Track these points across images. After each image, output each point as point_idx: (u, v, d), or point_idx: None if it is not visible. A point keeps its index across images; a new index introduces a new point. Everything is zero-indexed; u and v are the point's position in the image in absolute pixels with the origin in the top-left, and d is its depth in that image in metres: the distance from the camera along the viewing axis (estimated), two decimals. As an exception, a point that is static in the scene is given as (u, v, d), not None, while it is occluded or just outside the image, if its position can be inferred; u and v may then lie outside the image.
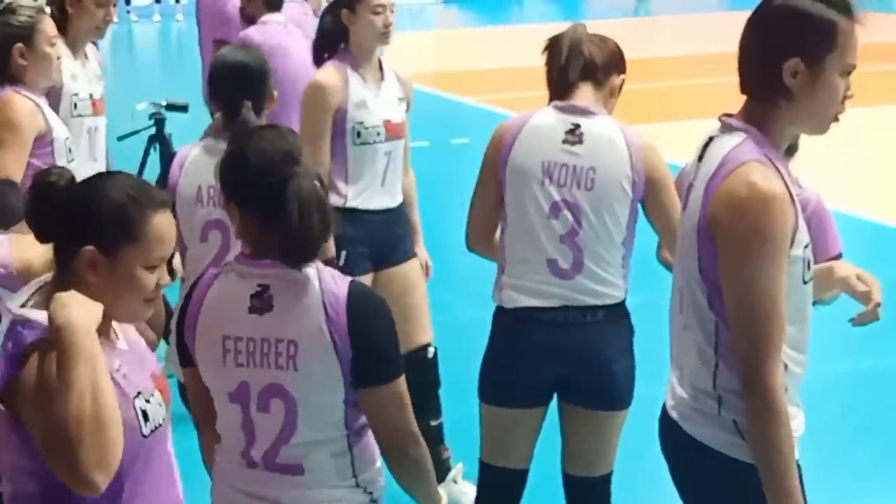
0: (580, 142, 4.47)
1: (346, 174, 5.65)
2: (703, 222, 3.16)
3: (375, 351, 3.31)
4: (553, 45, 4.58)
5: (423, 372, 5.81)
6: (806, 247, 3.18)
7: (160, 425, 3.06)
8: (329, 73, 5.67)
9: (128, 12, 24.31)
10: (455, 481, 5.83)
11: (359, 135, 5.63)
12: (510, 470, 4.67)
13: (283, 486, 3.36)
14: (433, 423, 5.82)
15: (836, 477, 5.84)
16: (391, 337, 3.36)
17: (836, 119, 3.24)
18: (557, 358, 4.49)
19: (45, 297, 2.99)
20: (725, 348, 3.19)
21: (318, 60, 5.81)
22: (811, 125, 3.25)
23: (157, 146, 8.40)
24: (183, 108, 8.65)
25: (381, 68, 5.76)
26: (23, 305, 3.01)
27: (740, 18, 3.43)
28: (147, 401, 3.02)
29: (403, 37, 6.90)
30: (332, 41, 5.74)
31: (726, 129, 3.24)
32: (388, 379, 3.33)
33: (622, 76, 4.63)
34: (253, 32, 7.99)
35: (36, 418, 2.85)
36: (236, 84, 4.88)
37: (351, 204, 5.66)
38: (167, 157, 8.27)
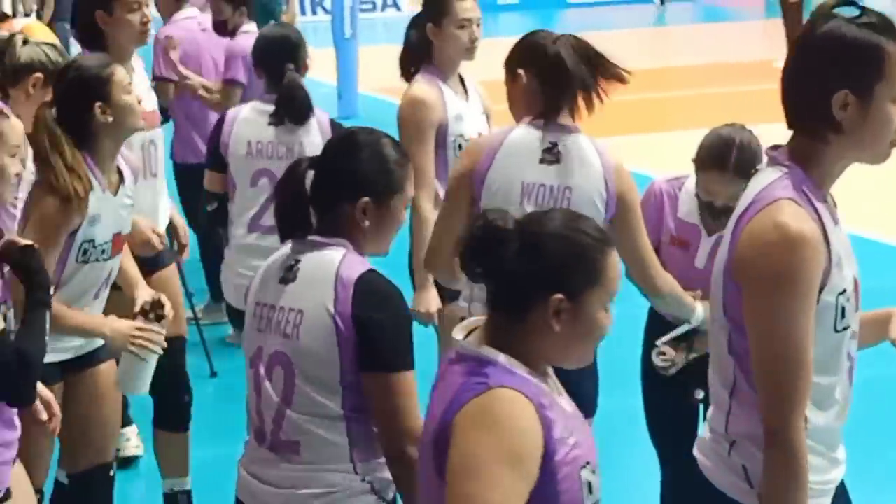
0: (557, 161, 4.39)
1: None
2: (730, 260, 3.02)
3: (374, 338, 3.34)
4: (539, 59, 4.37)
5: None
6: (841, 293, 3.00)
7: (597, 502, 2.83)
8: (425, 89, 5.51)
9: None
10: None
11: (460, 147, 5.39)
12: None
13: (280, 467, 3.41)
14: None
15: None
16: (394, 327, 3.37)
17: (894, 145, 3.05)
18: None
19: (487, 336, 2.83)
20: (741, 393, 3.06)
21: (406, 75, 5.69)
22: (866, 157, 3.06)
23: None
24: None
25: (462, 82, 5.64)
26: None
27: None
28: (593, 472, 2.80)
29: (379, 50, 6.92)
30: (418, 55, 5.62)
31: (771, 162, 3.07)
32: (388, 369, 3.34)
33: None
34: (249, 42, 7.51)
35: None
36: (277, 52, 5.88)
37: None
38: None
